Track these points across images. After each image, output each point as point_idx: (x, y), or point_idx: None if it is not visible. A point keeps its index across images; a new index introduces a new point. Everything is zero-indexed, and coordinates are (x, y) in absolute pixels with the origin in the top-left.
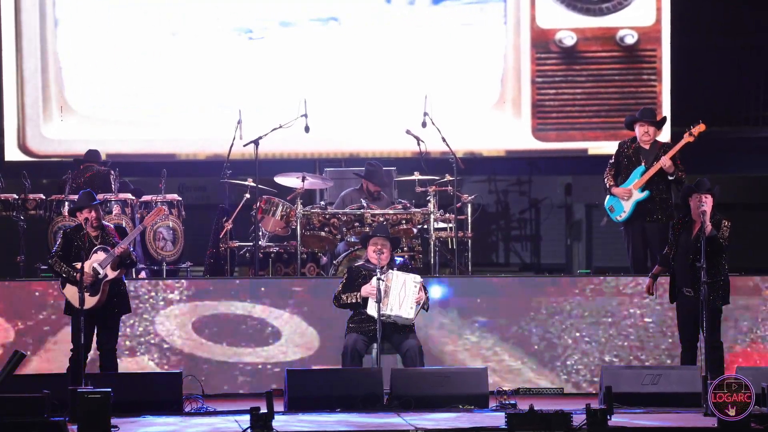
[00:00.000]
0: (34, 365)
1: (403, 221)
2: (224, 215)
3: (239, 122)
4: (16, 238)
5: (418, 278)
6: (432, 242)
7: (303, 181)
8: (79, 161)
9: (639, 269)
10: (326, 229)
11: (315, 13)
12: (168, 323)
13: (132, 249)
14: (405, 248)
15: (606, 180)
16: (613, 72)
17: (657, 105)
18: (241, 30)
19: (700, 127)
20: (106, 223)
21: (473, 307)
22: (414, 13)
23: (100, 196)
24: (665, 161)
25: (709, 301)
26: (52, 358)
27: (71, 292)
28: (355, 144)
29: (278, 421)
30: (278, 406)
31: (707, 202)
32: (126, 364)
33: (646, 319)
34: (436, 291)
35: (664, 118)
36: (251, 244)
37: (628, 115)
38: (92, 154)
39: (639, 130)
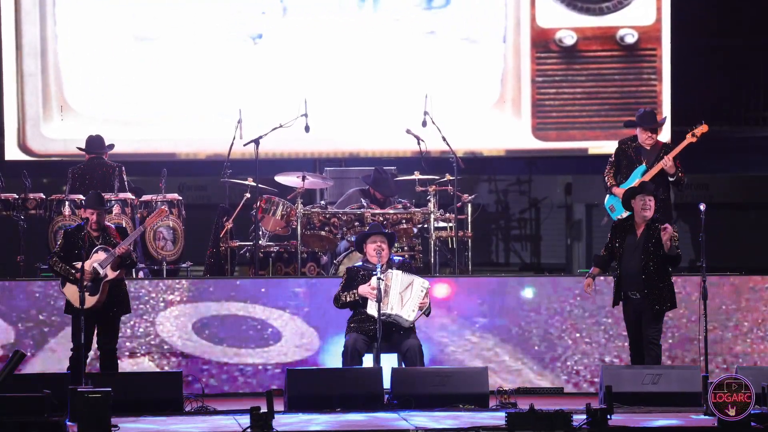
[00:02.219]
0: (34, 365)
1: (403, 221)
2: (224, 215)
3: (239, 122)
4: (16, 238)
5: (426, 283)
6: (432, 242)
7: (303, 180)
8: (83, 150)
9: None
10: (326, 228)
11: (316, 12)
12: (168, 324)
13: (132, 249)
14: (405, 248)
15: (606, 179)
16: (613, 71)
17: (657, 104)
18: (245, 33)
19: (703, 128)
20: (107, 224)
21: (473, 307)
22: (414, 12)
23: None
24: (667, 161)
25: (655, 308)
26: (52, 358)
27: (71, 291)
28: (356, 143)
29: (278, 420)
30: (278, 406)
31: (650, 206)
32: (126, 365)
33: None
34: (437, 291)
35: (664, 119)
36: (251, 243)
37: (628, 120)
38: (95, 144)
39: (642, 135)
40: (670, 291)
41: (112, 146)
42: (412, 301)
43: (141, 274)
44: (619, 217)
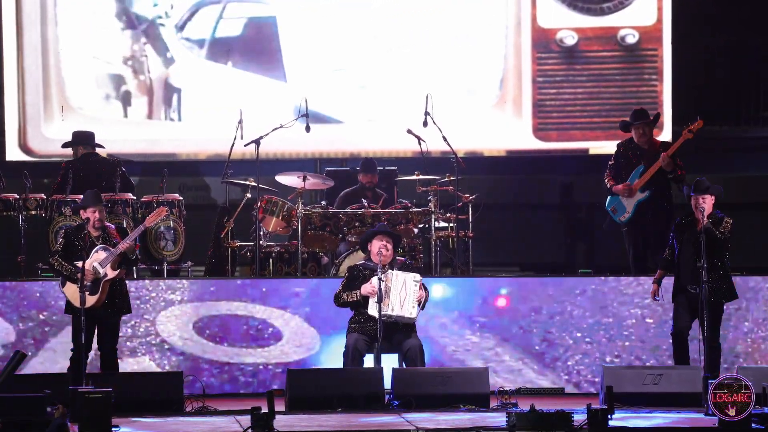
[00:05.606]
0: (35, 365)
1: (404, 221)
2: (225, 215)
3: (240, 122)
4: (16, 238)
5: (417, 276)
6: (433, 242)
7: (304, 180)
8: (68, 143)
9: (639, 269)
10: (327, 228)
11: (316, 12)
12: (169, 323)
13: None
14: (406, 248)
15: (606, 181)
16: (614, 71)
17: (658, 104)
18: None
19: (698, 124)
20: (107, 223)
21: (474, 307)
22: (415, 12)
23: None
24: (664, 159)
25: (712, 300)
26: (52, 358)
27: (71, 291)
28: (356, 143)
29: (279, 421)
30: (279, 406)
31: (707, 201)
32: (127, 365)
33: (647, 320)
34: (437, 291)
35: (658, 115)
36: (252, 243)
37: (622, 121)
38: (88, 138)
39: (636, 133)
40: (727, 283)
41: (101, 146)
42: (409, 297)
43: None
44: (621, 218)
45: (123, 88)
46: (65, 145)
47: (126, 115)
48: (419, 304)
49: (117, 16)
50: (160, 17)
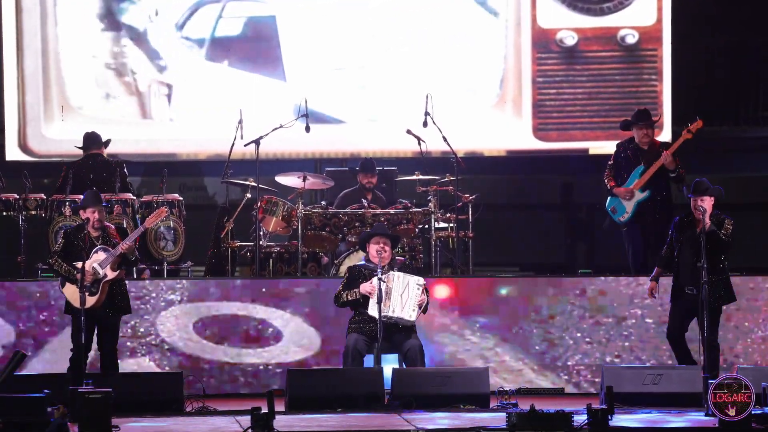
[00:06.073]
0: (35, 365)
1: (404, 221)
2: (225, 215)
3: (240, 122)
4: (16, 238)
5: (421, 280)
6: (433, 242)
7: (304, 180)
8: (79, 146)
9: (639, 269)
10: (327, 228)
11: (315, 11)
12: (169, 324)
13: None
14: (406, 248)
15: (606, 181)
16: (613, 72)
17: (658, 105)
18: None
19: (698, 124)
20: (107, 224)
21: (474, 307)
22: (415, 12)
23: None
24: (666, 157)
25: (710, 301)
26: (52, 358)
27: (70, 291)
28: (356, 144)
29: (279, 421)
30: (279, 406)
31: (706, 203)
32: (127, 365)
33: (647, 320)
34: (438, 291)
35: (658, 117)
36: (252, 243)
37: (623, 120)
38: (93, 140)
39: (638, 133)
40: (725, 285)
41: (108, 142)
42: (411, 300)
43: (147, 273)
44: (621, 218)
45: (120, 88)
46: (81, 147)
47: (126, 115)
48: (420, 308)
49: (99, 17)
50: (151, 21)
